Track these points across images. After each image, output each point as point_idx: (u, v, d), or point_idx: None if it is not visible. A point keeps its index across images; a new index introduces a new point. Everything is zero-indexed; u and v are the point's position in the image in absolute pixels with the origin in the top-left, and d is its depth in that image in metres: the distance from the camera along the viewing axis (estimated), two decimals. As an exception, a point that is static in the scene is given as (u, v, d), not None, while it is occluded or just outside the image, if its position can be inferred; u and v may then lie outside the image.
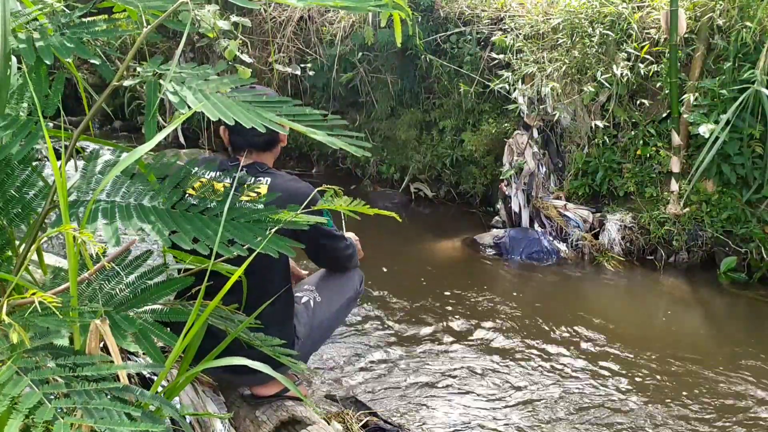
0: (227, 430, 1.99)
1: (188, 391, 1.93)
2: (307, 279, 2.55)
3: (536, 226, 4.83)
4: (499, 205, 5.15)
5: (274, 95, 1.86)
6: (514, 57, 4.95)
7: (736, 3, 4.26)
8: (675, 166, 4.42)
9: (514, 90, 4.86)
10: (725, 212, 4.26)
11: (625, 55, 4.57)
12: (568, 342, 3.46)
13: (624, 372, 3.18)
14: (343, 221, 2.53)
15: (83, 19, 1.51)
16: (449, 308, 3.82)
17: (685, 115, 4.36)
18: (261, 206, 1.84)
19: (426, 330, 3.55)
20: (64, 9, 1.59)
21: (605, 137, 4.67)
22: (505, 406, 2.89)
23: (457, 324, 3.63)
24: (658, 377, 3.14)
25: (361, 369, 3.14)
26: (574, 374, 3.16)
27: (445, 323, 3.63)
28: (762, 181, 4.15)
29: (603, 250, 4.55)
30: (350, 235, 2.61)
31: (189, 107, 1.32)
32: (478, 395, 2.97)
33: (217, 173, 2.03)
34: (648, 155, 4.57)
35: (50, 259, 2.17)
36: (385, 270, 4.29)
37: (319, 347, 2.61)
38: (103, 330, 1.19)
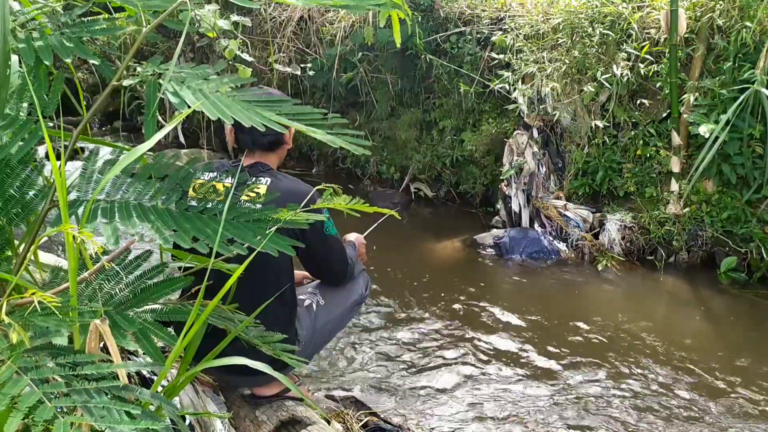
0: (227, 429, 1.99)
1: (188, 391, 1.93)
2: (310, 282, 2.53)
3: (536, 226, 4.83)
4: (499, 205, 5.15)
5: (278, 95, 1.86)
6: (514, 57, 4.95)
7: (736, 3, 4.26)
8: (675, 166, 4.42)
9: (514, 90, 4.86)
10: (725, 212, 4.26)
11: (625, 55, 4.57)
12: (567, 342, 3.46)
13: (624, 372, 3.18)
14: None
15: (82, 19, 1.51)
16: (449, 308, 3.82)
17: (685, 115, 4.36)
18: (259, 206, 1.84)
19: (426, 330, 3.55)
20: (60, 10, 1.59)
21: (605, 137, 4.67)
22: (505, 406, 2.89)
23: (456, 324, 3.63)
24: (658, 377, 3.14)
25: (361, 369, 3.14)
26: (573, 374, 3.16)
27: (444, 323, 3.63)
28: (762, 181, 4.15)
29: (603, 250, 4.55)
30: (355, 237, 2.59)
31: (189, 107, 1.32)
32: (477, 395, 2.97)
33: (217, 173, 2.03)
34: (648, 155, 4.57)
35: (50, 258, 2.17)
36: (384, 270, 4.29)
37: (321, 350, 2.60)
38: (103, 330, 1.19)
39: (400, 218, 1.97)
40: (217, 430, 1.90)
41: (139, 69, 1.44)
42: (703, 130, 4.09)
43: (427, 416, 2.79)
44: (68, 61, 1.40)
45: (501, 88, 4.98)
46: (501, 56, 5.03)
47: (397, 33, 1.69)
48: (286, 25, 6.08)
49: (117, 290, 1.38)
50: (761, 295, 4.07)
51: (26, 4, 1.57)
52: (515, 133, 5.04)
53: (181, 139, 6.57)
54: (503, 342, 3.45)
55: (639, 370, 3.20)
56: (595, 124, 4.66)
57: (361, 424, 2.41)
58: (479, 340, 3.46)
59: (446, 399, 2.93)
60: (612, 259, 4.49)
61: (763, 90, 3.92)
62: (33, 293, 1.17)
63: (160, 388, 1.42)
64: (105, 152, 1.60)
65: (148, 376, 1.92)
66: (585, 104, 4.73)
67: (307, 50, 6.04)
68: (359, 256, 2.54)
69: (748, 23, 4.10)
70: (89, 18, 1.53)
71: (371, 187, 6.13)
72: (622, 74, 4.49)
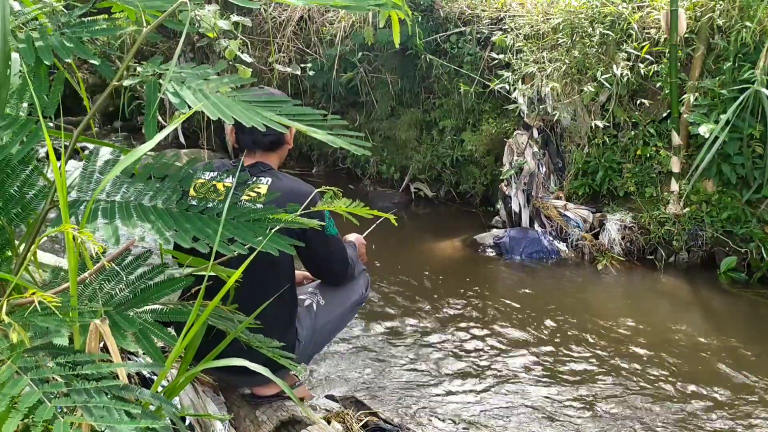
0: (227, 430, 1.99)
1: (188, 391, 1.93)
2: (311, 282, 2.52)
3: (536, 226, 4.83)
4: (499, 205, 5.15)
5: (279, 95, 1.86)
6: (514, 57, 4.95)
7: (736, 3, 4.26)
8: (675, 166, 4.42)
9: (514, 90, 4.86)
10: (725, 212, 4.26)
11: (625, 55, 4.57)
12: (567, 342, 3.46)
13: (624, 371, 3.18)
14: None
15: (83, 19, 1.52)
16: (449, 308, 3.82)
17: (685, 115, 4.36)
18: (260, 206, 1.84)
19: (426, 330, 3.55)
20: (64, 9, 1.60)
21: (605, 137, 4.67)
22: (505, 406, 2.89)
23: (456, 324, 3.63)
24: (658, 377, 3.14)
25: (361, 368, 3.14)
26: (573, 374, 3.16)
27: (445, 323, 3.63)
28: (762, 181, 4.15)
29: (603, 250, 4.55)
30: (355, 237, 2.59)
31: (189, 107, 1.32)
32: (477, 395, 2.97)
33: (218, 172, 2.03)
34: (648, 155, 4.57)
35: (50, 258, 2.17)
36: (384, 270, 4.29)
37: (321, 350, 2.60)
38: (103, 330, 1.19)
39: (396, 224, 1.97)
40: (217, 429, 1.90)
41: (139, 69, 1.44)
42: (703, 130, 4.09)
43: (428, 416, 2.79)
44: (69, 61, 1.40)
45: (501, 88, 4.98)
46: (501, 56, 5.03)
47: (396, 33, 1.69)
48: (286, 25, 6.08)
49: (117, 290, 1.38)
50: (761, 295, 4.06)
51: (27, 4, 1.57)
52: (515, 133, 5.04)
53: (181, 139, 6.57)
54: (503, 342, 3.45)
55: (638, 370, 3.19)
56: (595, 124, 4.66)
57: (361, 424, 2.41)
58: (479, 340, 3.46)
59: (446, 399, 2.93)
60: (612, 259, 4.49)
61: (763, 90, 3.92)
62: (33, 293, 1.17)
63: (160, 389, 1.42)
64: (105, 152, 1.60)
65: (148, 376, 1.92)
66: (585, 104, 4.73)
67: (307, 50, 6.04)
68: (359, 256, 2.54)
69: (748, 23, 4.10)
70: (89, 18, 1.53)
71: (371, 187, 6.13)
72: (622, 74, 4.49)
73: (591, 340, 3.48)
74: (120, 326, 1.27)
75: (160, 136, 1.27)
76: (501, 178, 5.06)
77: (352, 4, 1.41)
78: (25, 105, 1.44)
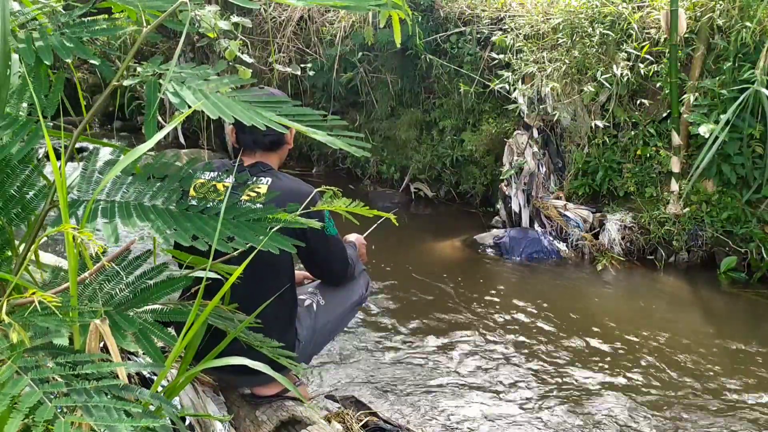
0: (227, 429, 1.99)
1: (188, 391, 1.93)
2: (311, 282, 2.52)
3: (536, 226, 4.83)
4: (499, 205, 5.15)
5: (279, 95, 1.86)
6: (514, 57, 4.95)
7: (736, 3, 4.26)
8: (675, 166, 4.42)
9: (514, 90, 4.86)
10: (725, 212, 4.26)
11: (625, 55, 4.57)
12: (567, 342, 3.46)
13: (624, 372, 3.18)
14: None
15: (83, 19, 1.52)
16: (449, 308, 3.82)
17: (685, 115, 4.36)
18: (260, 206, 1.84)
19: (426, 330, 3.55)
20: (63, 9, 1.60)
21: (605, 137, 4.67)
22: (505, 406, 2.89)
23: (456, 324, 3.63)
24: (658, 377, 3.14)
25: (361, 369, 3.14)
26: (573, 374, 3.16)
27: (444, 323, 3.63)
28: (762, 181, 4.15)
29: (603, 250, 4.55)
30: (355, 237, 2.59)
31: (189, 107, 1.32)
32: (477, 395, 2.97)
33: (218, 172, 2.03)
34: (648, 155, 4.57)
35: (50, 258, 2.17)
36: (384, 270, 4.29)
37: (321, 350, 2.60)
38: (103, 330, 1.19)
39: (397, 224, 1.97)
40: (217, 429, 1.90)
41: (139, 69, 1.44)
42: (703, 130, 4.09)
43: (427, 416, 2.79)
44: (69, 61, 1.40)
45: (501, 88, 4.98)
46: (501, 56, 5.03)
47: (397, 33, 1.69)
48: (286, 25, 6.08)
49: (117, 290, 1.38)
50: (761, 295, 4.07)
51: (27, 4, 1.57)
52: (515, 133, 5.04)
53: (181, 139, 6.57)
54: (503, 342, 3.45)
55: (638, 370, 3.20)
56: (595, 124, 4.66)
57: (361, 424, 2.41)
58: (479, 339, 3.46)
59: (446, 399, 2.93)
60: (612, 259, 4.49)
61: (763, 90, 3.92)
62: (33, 293, 1.17)
63: (160, 389, 1.42)
64: (105, 152, 1.60)
65: (148, 376, 1.92)
66: (585, 104, 4.73)
67: (307, 50, 6.04)
68: (360, 257, 2.54)
69: (748, 23, 4.10)
70: (89, 18, 1.53)
71: (371, 187, 6.13)
72: (622, 74, 4.49)
73: (591, 341, 3.48)
74: (120, 326, 1.27)
75: (159, 136, 1.27)
76: (501, 178, 5.07)
77: (352, 4, 1.41)
78: (25, 105, 1.44)
